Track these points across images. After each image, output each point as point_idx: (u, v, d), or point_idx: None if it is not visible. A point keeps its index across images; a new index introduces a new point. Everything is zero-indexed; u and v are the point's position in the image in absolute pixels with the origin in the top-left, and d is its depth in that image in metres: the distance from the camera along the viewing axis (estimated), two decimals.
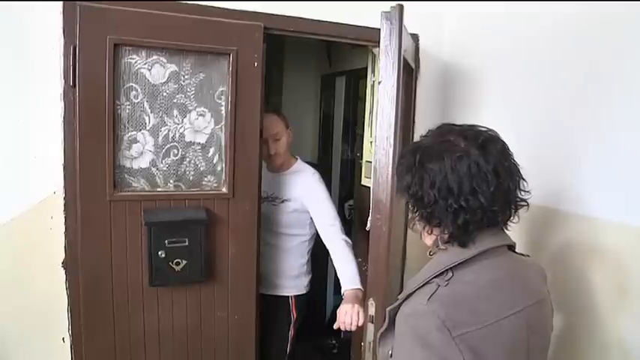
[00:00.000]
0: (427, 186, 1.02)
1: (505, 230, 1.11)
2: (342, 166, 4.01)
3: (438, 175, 1.01)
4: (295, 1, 2.01)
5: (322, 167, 3.89)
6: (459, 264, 1.02)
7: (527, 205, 1.10)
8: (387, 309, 1.08)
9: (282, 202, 2.24)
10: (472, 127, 1.08)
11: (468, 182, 0.99)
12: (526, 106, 1.89)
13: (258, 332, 2.13)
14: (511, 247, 1.13)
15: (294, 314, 2.33)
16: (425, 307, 0.97)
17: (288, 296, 2.33)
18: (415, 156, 1.06)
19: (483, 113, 2.11)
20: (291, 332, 2.34)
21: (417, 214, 1.09)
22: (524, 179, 1.08)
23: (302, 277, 2.36)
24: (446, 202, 1.01)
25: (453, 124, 1.10)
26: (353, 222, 3.48)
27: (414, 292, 1.03)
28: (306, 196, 2.21)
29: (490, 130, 1.08)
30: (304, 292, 2.37)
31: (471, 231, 1.02)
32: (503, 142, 1.07)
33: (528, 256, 1.18)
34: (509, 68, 1.98)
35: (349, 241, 2.12)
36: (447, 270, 1.02)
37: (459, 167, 1.00)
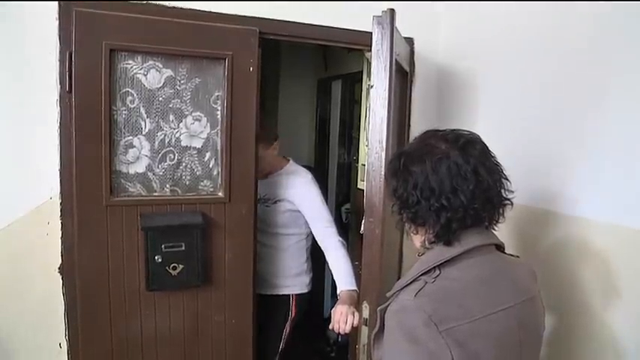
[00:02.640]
0: (410, 187, 1.07)
1: (492, 230, 1.13)
2: (338, 169, 4.02)
3: (419, 176, 1.06)
4: (291, 1, 2.03)
5: (319, 171, 3.91)
6: (445, 262, 1.05)
7: (511, 204, 1.12)
8: (378, 309, 1.10)
9: (275, 202, 2.25)
10: (454, 131, 1.12)
11: (448, 181, 1.03)
12: (519, 108, 1.91)
13: (255, 336, 2.14)
14: (500, 248, 1.15)
15: (292, 311, 2.32)
16: (412, 302, 0.99)
17: (288, 295, 2.31)
18: (400, 160, 1.12)
19: (478, 115, 2.13)
20: (287, 329, 2.32)
21: (403, 215, 1.13)
22: (507, 179, 1.11)
23: (302, 276, 2.35)
24: (428, 202, 1.05)
25: (437, 130, 1.15)
26: (350, 225, 3.49)
27: (402, 289, 1.06)
28: (299, 198, 2.21)
29: (471, 133, 1.12)
30: (306, 290, 2.36)
31: (454, 229, 1.05)
32: (484, 144, 1.11)
33: (518, 256, 1.20)
34: (503, 71, 2.00)
35: (344, 242, 2.13)
36: (434, 267, 1.05)
37: (439, 168, 1.04)
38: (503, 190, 1.10)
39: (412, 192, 1.07)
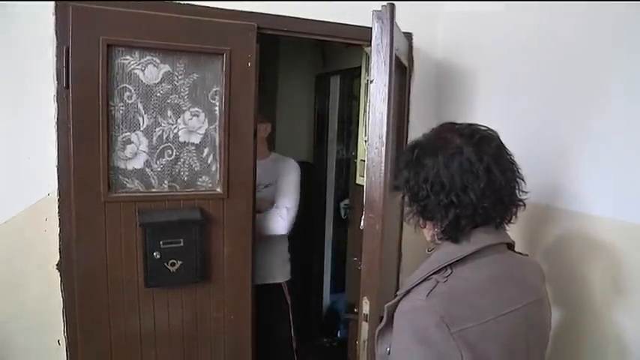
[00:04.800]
0: (421, 180, 1.06)
1: (504, 229, 1.12)
2: (337, 165, 4.01)
3: (431, 170, 1.05)
4: (289, 1, 2.01)
5: (317, 166, 3.91)
6: (457, 261, 1.03)
7: (524, 205, 1.11)
8: (386, 305, 1.09)
9: (266, 187, 2.33)
10: (471, 125, 1.11)
11: (459, 178, 1.02)
12: (520, 104, 1.90)
13: (254, 332, 2.13)
14: (510, 246, 1.14)
15: (288, 299, 2.43)
16: (424, 302, 0.98)
17: (280, 283, 2.42)
18: (413, 151, 1.11)
19: (477, 111, 2.12)
20: (291, 316, 2.43)
21: (413, 208, 1.12)
22: (522, 179, 1.10)
23: (286, 264, 2.47)
24: (438, 197, 1.04)
25: (454, 123, 1.13)
26: (349, 221, 3.48)
27: (413, 288, 1.04)
28: (280, 178, 2.33)
29: (488, 129, 1.10)
30: (290, 277, 2.48)
31: (462, 226, 1.04)
32: (500, 141, 1.09)
33: (527, 255, 1.19)
34: (503, 67, 1.99)
35: (284, 218, 2.26)
36: (445, 267, 1.03)
37: (451, 163, 1.03)
38: (517, 191, 1.08)
39: (422, 185, 1.06)
